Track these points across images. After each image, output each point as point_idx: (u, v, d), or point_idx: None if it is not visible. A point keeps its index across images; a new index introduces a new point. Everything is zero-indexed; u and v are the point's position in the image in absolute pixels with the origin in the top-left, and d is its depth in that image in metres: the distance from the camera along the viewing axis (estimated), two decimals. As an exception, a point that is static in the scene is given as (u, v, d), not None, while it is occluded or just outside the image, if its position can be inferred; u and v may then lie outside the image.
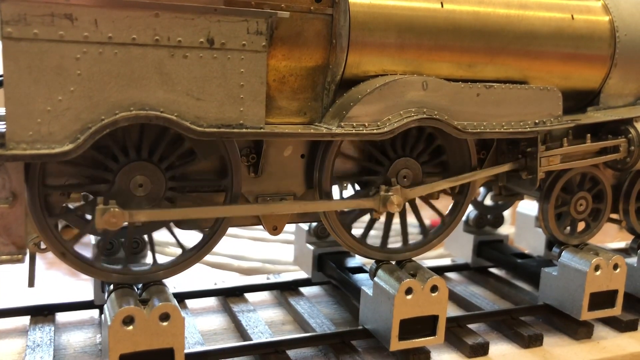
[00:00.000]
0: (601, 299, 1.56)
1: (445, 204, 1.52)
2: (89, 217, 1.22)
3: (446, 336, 1.40)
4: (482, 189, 2.00)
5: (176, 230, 1.30)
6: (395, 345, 1.33)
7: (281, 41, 1.22)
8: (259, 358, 1.35)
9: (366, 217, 1.46)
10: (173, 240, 1.29)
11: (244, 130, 1.15)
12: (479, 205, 1.99)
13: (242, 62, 1.13)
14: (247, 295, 1.70)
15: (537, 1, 1.48)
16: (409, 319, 1.32)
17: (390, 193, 1.31)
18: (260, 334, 1.44)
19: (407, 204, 1.43)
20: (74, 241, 1.19)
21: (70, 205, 1.23)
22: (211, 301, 1.68)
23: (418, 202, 1.48)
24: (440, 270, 1.96)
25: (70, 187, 1.18)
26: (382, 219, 1.47)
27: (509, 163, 1.48)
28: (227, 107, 1.13)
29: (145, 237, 1.40)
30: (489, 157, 1.52)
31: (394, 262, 1.43)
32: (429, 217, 1.64)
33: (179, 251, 1.27)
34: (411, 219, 1.47)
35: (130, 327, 1.09)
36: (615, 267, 1.55)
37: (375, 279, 1.38)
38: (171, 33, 1.07)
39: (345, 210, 1.46)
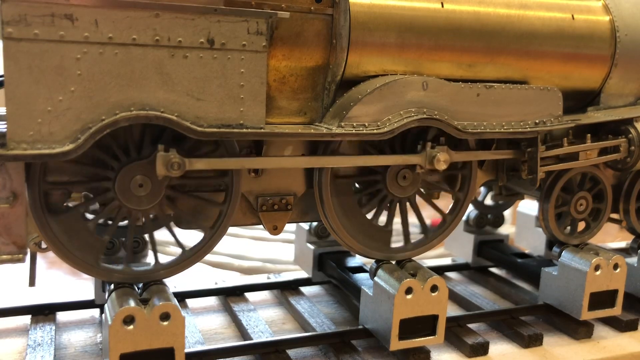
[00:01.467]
0: (601, 299, 1.56)
1: (445, 204, 1.52)
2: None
3: (446, 336, 1.40)
4: (482, 189, 2.00)
5: (176, 230, 1.30)
6: (395, 344, 1.33)
7: (281, 41, 1.22)
8: (260, 357, 1.35)
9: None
10: (173, 239, 1.29)
11: (244, 130, 1.15)
12: (479, 204, 1.99)
13: (243, 62, 1.13)
14: (247, 294, 1.70)
15: (537, 1, 1.48)
16: (409, 319, 1.33)
17: (436, 150, 1.32)
18: (260, 334, 1.44)
19: (407, 202, 1.43)
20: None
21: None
22: (212, 300, 1.68)
23: (419, 201, 1.48)
24: (440, 270, 1.96)
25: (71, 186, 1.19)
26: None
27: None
28: (227, 107, 1.14)
29: (146, 236, 1.40)
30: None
31: (394, 262, 1.43)
32: (429, 216, 1.65)
33: (179, 251, 1.27)
34: (411, 218, 1.47)
35: (131, 327, 1.09)
36: (616, 266, 1.55)
37: (376, 278, 1.38)
38: (171, 33, 1.07)
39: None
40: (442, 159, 1.32)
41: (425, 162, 1.33)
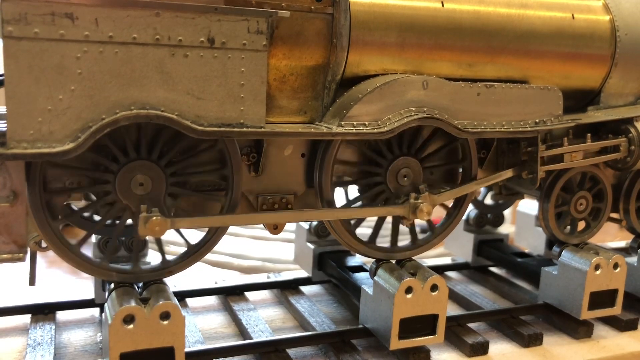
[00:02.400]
0: (601, 298, 1.56)
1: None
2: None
3: (446, 335, 1.40)
4: (482, 188, 2.00)
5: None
6: (395, 344, 1.33)
7: (282, 40, 1.22)
8: (259, 357, 1.35)
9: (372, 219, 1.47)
10: (172, 239, 1.29)
11: (245, 129, 1.15)
12: (479, 204, 1.99)
13: (243, 62, 1.13)
14: (247, 294, 1.70)
15: (537, 0, 1.48)
16: (409, 318, 1.33)
17: (419, 201, 1.32)
18: (260, 333, 1.44)
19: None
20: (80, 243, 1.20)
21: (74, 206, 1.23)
22: (212, 300, 1.68)
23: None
24: (440, 269, 1.96)
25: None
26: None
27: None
28: (227, 106, 1.13)
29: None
30: (489, 157, 1.52)
31: (394, 261, 1.43)
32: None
33: (178, 250, 1.27)
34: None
35: (131, 326, 1.09)
36: (616, 266, 1.55)
37: (376, 278, 1.38)
38: (172, 32, 1.07)
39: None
40: (425, 210, 1.33)
41: (409, 213, 1.34)
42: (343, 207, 1.36)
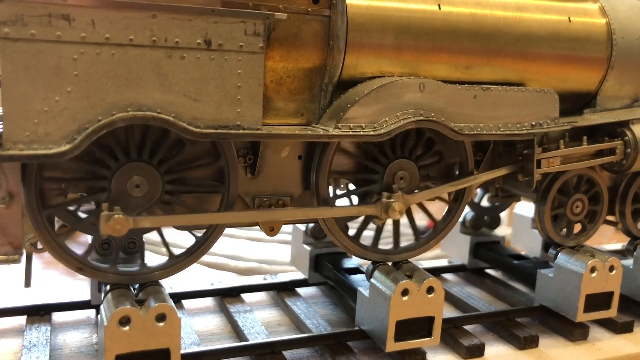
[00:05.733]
0: (597, 301, 1.56)
1: (440, 205, 1.52)
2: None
3: (442, 337, 1.40)
4: (479, 190, 2.00)
5: (172, 231, 1.30)
6: (391, 346, 1.33)
7: (279, 42, 1.22)
8: (256, 358, 1.35)
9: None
10: (170, 240, 1.29)
11: (241, 131, 1.15)
12: (475, 206, 2.00)
13: (240, 64, 1.13)
14: (243, 295, 1.70)
15: (534, 3, 1.48)
16: (405, 320, 1.33)
17: (392, 200, 1.32)
18: (256, 335, 1.44)
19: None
20: (65, 236, 1.19)
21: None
22: (208, 301, 1.68)
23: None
24: (436, 271, 1.96)
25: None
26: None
27: (506, 167, 1.48)
28: (224, 108, 1.13)
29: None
30: (485, 159, 1.53)
31: (390, 263, 1.44)
32: (426, 217, 1.65)
33: (176, 251, 1.27)
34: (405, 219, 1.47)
35: (127, 328, 1.09)
36: (611, 269, 1.55)
37: (372, 280, 1.38)
38: (168, 34, 1.07)
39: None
40: (397, 208, 1.32)
41: (382, 212, 1.33)
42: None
